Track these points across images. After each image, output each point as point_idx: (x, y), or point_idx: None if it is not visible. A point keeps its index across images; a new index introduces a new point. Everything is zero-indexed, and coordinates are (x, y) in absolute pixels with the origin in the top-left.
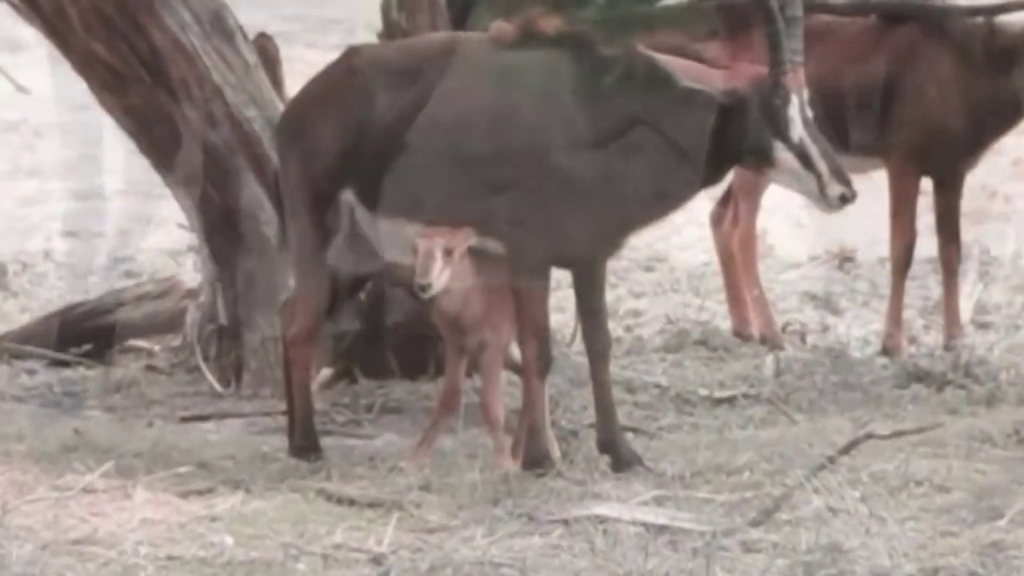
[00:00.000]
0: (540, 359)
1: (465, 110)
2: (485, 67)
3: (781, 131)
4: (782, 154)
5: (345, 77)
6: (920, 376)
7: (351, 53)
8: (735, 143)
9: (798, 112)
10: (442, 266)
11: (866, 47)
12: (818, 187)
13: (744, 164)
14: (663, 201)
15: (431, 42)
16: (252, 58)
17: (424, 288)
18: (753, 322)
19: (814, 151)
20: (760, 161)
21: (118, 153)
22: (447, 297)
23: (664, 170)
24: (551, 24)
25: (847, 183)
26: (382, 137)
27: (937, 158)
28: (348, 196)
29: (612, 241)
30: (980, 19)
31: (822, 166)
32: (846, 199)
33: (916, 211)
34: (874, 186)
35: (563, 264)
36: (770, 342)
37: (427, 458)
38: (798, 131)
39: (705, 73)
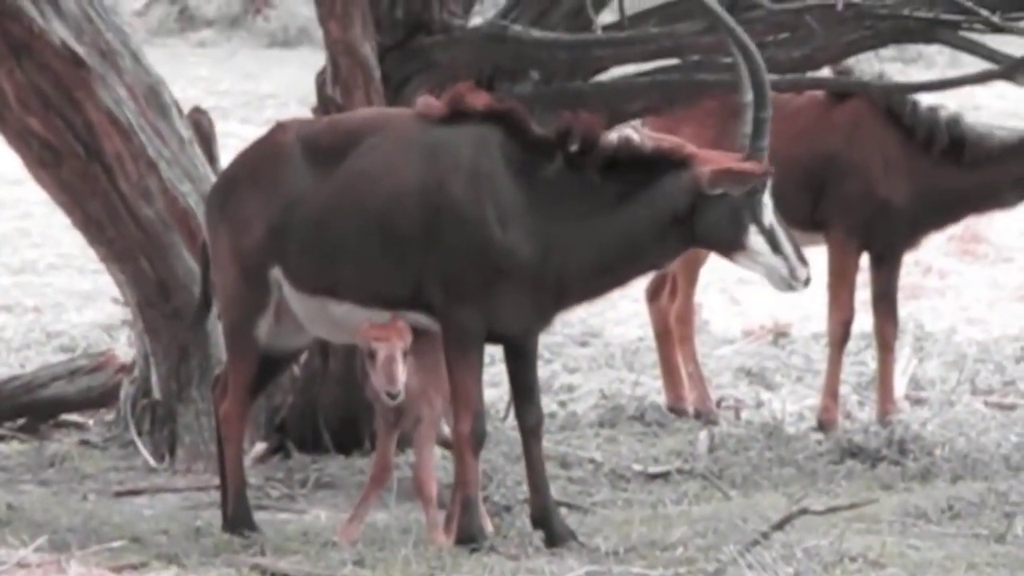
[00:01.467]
0: (473, 434)
1: (393, 186)
2: (413, 143)
3: (756, 216)
4: (754, 238)
5: (273, 152)
6: (854, 452)
7: (278, 128)
8: (707, 226)
9: (769, 198)
10: (403, 368)
11: (811, 121)
12: (788, 270)
13: (711, 247)
14: (604, 277)
15: (359, 117)
16: (187, 133)
17: (393, 396)
18: (688, 397)
19: (782, 235)
20: (732, 246)
21: (52, 227)
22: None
23: (608, 247)
24: (479, 100)
25: (807, 265)
26: (310, 215)
27: (879, 235)
28: (276, 272)
29: (545, 316)
30: (930, 106)
31: (789, 249)
32: (808, 281)
33: (855, 287)
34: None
35: (495, 340)
36: (705, 417)
37: (358, 533)
38: (769, 216)
39: (692, 159)
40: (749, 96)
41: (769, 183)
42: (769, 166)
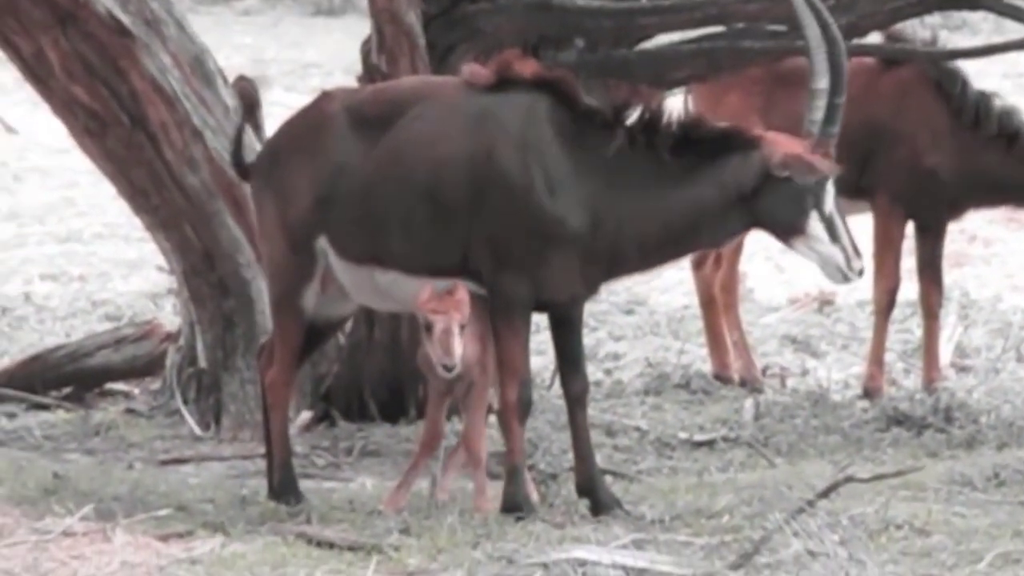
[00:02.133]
0: (520, 402)
1: (440, 154)
2: (460, 111)
3: (819, 203)
4: (815, 224)
5: (319, 121)
6: (900, 419)
7: (324, 97)
8: (769, 209)
9: (832, 186)
10: (460, 341)
11: (861, 88)
12: (844, 260)
13: (771, 230)
14: (660, 251)
15: (405, 86)
16: (232, 101)
17: (450, 368)
18: (733, 365)
19: (840, 225)
20: (792, 230)
21: (98, 196)
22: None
23: (668, 222)
24: (527, 68)
25: (861, 257)
26: (356, 184)
27: (923, 205)
28: (322, 242)
29: (594, 285)
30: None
31: (846, 240)
32: (862, 272)
33: (900, 255)
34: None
35: (542, 308)
36: (750, 385)
37: (404, 501)
38: (831, 204)
39: (761, 140)
40: (823, 83)
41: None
42: (837, 164)
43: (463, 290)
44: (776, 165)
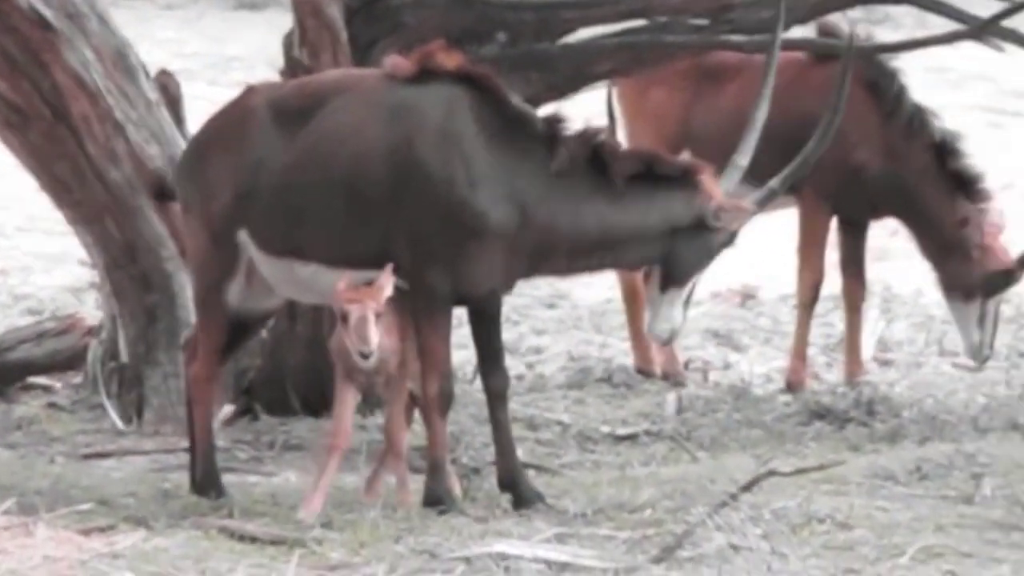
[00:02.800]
0: (441, 395)
1: (360, 145)
2: (381, 102)
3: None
4: (689, 286)
5: (241, 116)
6: (822, 413)
7: (248, 92)
8: (682, 254)
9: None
10: (376, 330)
11: (788, 82)
12: (675, 327)
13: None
14: (582, 259)
15: (327, 79)
16: (154, 95)
17: (366, 356)
18: (655, 359)
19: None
20: (681, 278)
21: (19, 190)
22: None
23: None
24: (451, 60)
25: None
26: (276, 177)
27: (850, 201)
28: (243, 235)
29: (512, 281)
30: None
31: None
32: (669, 341)
33: (825, 250)
34: (776, 224)
35: (461, 301)
36: (672, 379)
37: (321, 506)
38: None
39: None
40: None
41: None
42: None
43: (384, 279)
44: (712, 215)
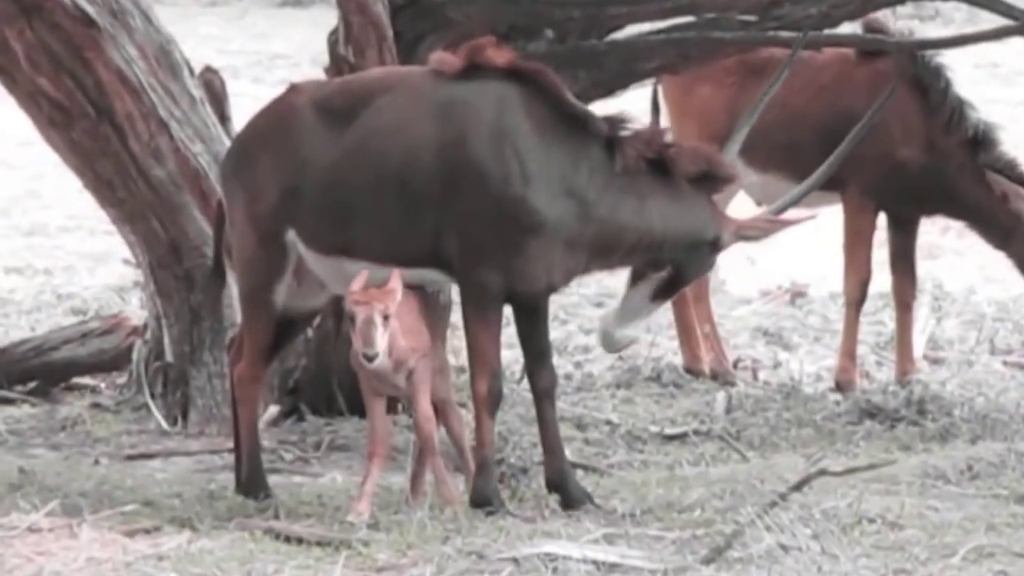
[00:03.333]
0: (490, 394)
1: (409, 142)
2: (429, 99)
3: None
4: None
5: (286, 115)
6: (873, 412)
7: (292, 91)
8: (691, 264)
9: None
10: (383, 331)
11: (834, 78)
12: (610, 330)
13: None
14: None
15: (372, 76)
16: (198, 93)
17: (371, 358)
18: (704, 358)
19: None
20: (673, 289)
21: (63, 189)
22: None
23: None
24: (502, 56)
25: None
26: (324, 176)
27: (894, 198)
28: (291, 235)
29: (568, 278)
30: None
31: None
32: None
33: (871, 247)
34: (825, 221)
35: (515, 299)
36: (721, 378)
37: (368, 510)
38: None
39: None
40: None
41: None
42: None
43: (396, 281)
44: (732, 232)
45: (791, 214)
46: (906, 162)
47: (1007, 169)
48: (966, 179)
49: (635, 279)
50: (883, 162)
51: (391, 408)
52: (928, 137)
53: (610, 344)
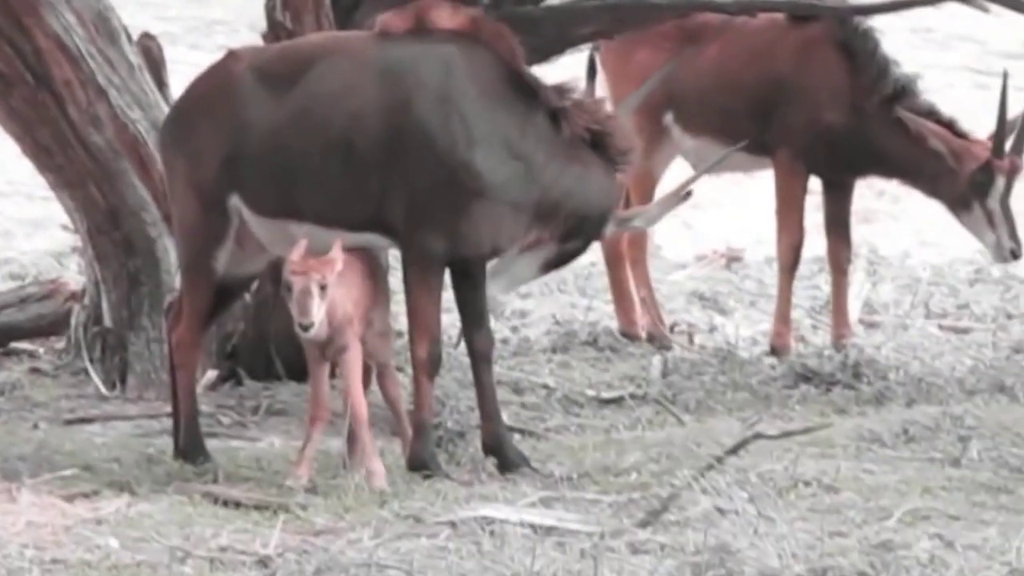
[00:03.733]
0: (430, 358)
1: (354, 106)
2: (373, 62)
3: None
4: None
5: (226, 81)
6: (808, 376)
7: (231, 57)
8: None
9: None
10: (320, 301)
11: (765, 44)
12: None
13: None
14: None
15: (312, 41)
16: (136, 59)
17: (306, 328)
18: (640, 322)
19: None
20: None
21: (1, 155)
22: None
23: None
24: (454, 19)
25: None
26: (267, 141)
27: (824, 162)
28: (234, 200)
29: (515, 241)
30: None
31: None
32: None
33: (803, 211)
34: (760, 185)
35: (464, 261)
36: (657, 342)
37: (308, 474)
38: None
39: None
40: None
41: None
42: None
43: (337, 251)
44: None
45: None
46: (833, 125)
47: (925, 116)
48: (888, 134)
49: (528, 247)
50: (810, 126)
51: (332, 374)
52: (853, 100)
53: (493, 308)
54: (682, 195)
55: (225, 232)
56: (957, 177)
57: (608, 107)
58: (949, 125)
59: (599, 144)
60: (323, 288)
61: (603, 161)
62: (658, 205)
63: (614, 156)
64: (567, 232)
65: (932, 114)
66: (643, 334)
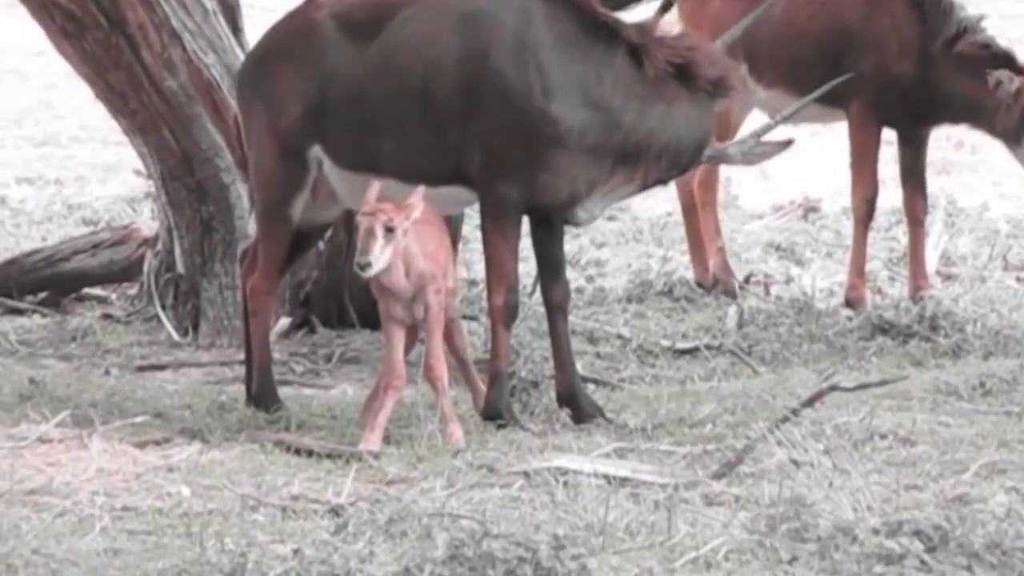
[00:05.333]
0: (506, 307)
1: (433, 56)
2: (452, 12)
3: None
4: None
5: (307, 30)
6: (885, 328)
7: (310, 4)
8: None
9: None
10: (383, 244)
11: None
12: None
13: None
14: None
15: None
16: (211, 3)
17: (364, 267)
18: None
19: None
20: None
21: (75, 99)
22: (387, 272)
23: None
24: None
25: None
26: (349, 91)
27: (896, 113)
28: (315, 151)
29: (592, 190)
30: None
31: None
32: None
33: (877, 162)
34: (838, 136)
35: (543, 209)
36: (722, 287)
37: (380, 442)
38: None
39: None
40: None
41: None
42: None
43: (416, 197)
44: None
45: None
46: (902, 74)
47: (982, 47)
48: (953, 76)
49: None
50: (880, 76)
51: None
52: (922, 47)
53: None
54: (784, 143)
55: (303, 181)
56: (1012, 113)
57: (691, 39)
58: (1006, 58)
59: (686, 76)
60: (389, 231)
61: (693, 93)
62: (752, 137)
63: (704, 86)
64: (660, 170)
65: (987, 47)
66: (710, 278)
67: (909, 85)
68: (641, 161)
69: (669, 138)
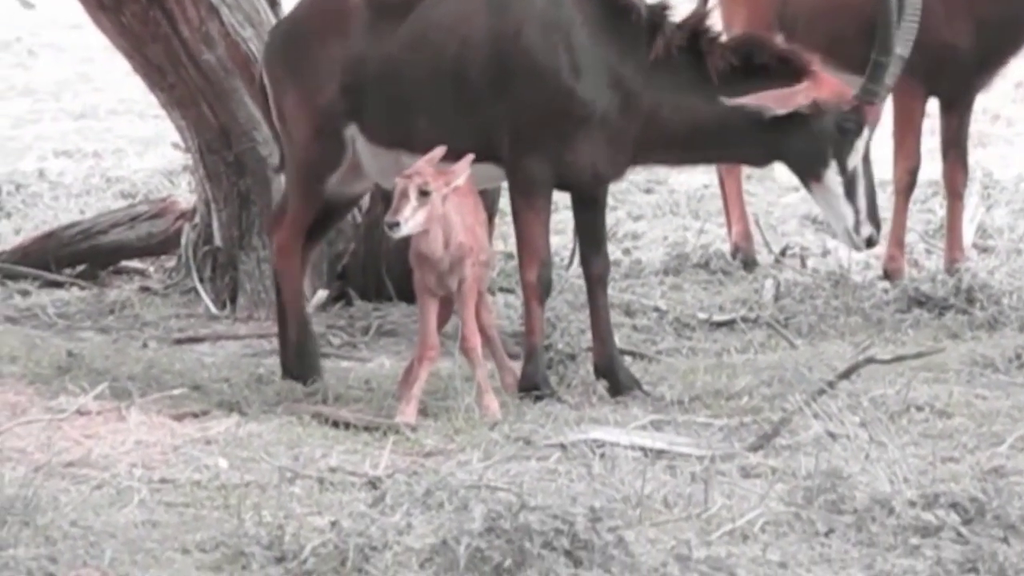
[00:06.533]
0: (540, 282)
1: (465, 35)
2: None
3: (840, 155)
4: (832, 176)
5: (339, 9)
6: (922, 300)
7: None
8: (793, 145)
9: (862, 144)
10: (416, 206)
11: None
12: (853, 222)
13: (792, 167)
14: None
15: None
16: None
17: (392, 227)
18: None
19: (861, 187)
20: (809, 173)
21: (113, 73)
22: (426, 239)
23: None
24: None
25: (878, 227)
26: (383, 70)
27: (943, 80)
28: (351, 130)
29: (620, 169)
30: None
31: (863, 204)
32: (872, 243)
33: (920, 135)
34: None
35: (566, 188)
36: (742, 255)
37: (415, 414)
38: (855, 162)
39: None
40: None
41: (866, 132)
42: (867, 108)
43: (463, 164)
44: (808, 104)
45: None
46: (953, 40)
47: None
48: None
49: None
50: (928, 45)
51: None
52: (972, 13)
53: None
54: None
55: (339, 159)
56: None
57: (712, 25)
58: None
59: (701, 62)
60: (424, 194)
61: (706, 81)
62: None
63: (711, 75)
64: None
65: None
66: (756, 257)
67: (960, 51)
68: (665, 146)
69: (686, 124)
